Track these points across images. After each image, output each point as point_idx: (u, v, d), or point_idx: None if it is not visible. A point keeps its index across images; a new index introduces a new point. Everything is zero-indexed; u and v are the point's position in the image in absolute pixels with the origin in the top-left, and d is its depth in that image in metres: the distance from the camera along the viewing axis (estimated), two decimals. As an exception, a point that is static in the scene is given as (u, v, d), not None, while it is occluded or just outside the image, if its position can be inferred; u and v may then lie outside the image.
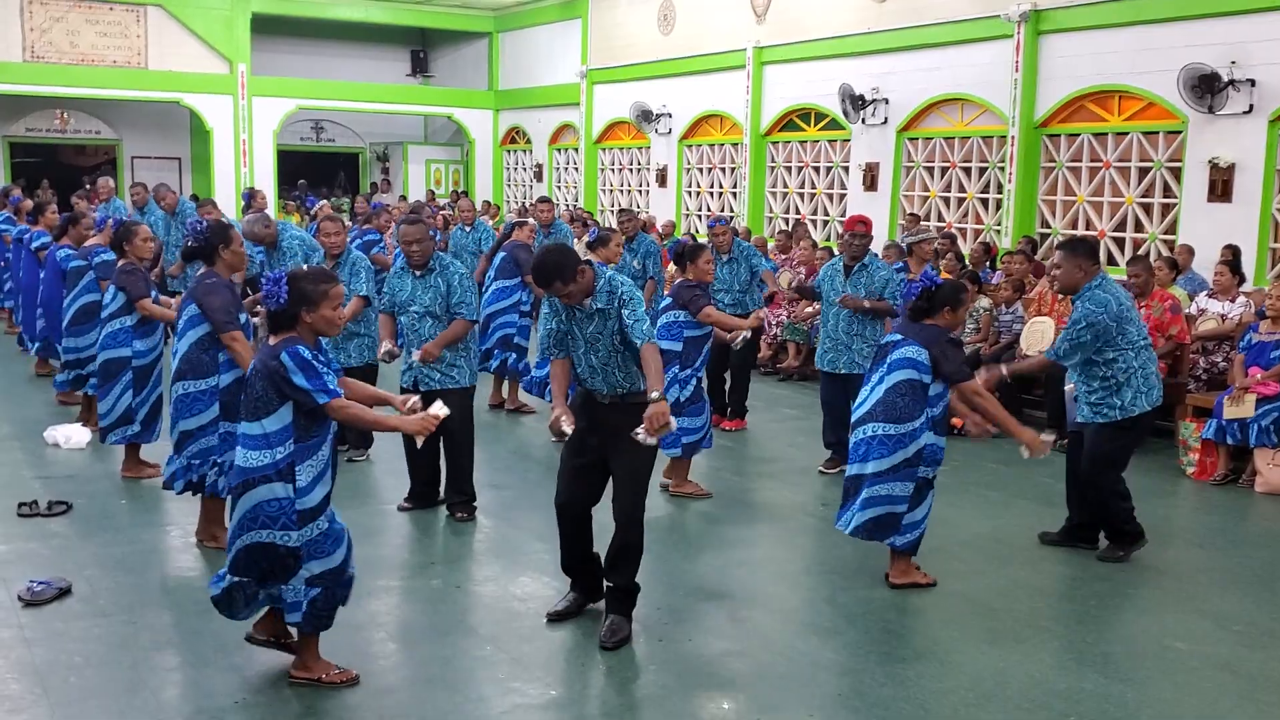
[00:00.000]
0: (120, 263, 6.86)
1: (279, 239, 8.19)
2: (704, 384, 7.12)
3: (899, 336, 5.40)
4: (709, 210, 17.65)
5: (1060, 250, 5.88)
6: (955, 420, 8.70)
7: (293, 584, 4.16)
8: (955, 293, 5.42)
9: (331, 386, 4.09)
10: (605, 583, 4.86)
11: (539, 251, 4.81)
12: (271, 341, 4.13)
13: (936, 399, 5.30)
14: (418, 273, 6.35)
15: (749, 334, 7.39)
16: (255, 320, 6.10)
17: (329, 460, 4.21)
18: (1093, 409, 5.84)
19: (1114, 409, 5.78)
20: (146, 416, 6.97)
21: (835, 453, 7.60)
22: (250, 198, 16.02)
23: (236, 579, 4.18)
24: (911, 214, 13.90)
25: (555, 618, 4.96)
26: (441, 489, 6.61)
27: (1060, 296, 8.73)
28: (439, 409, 4.20)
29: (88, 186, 21.70)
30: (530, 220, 10.31)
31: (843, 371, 7.45)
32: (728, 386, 9.06)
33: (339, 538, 4.24)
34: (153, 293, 6.94)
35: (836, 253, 11.92)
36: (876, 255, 7.90)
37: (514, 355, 9.08)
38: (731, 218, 15.64)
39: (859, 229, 7.46)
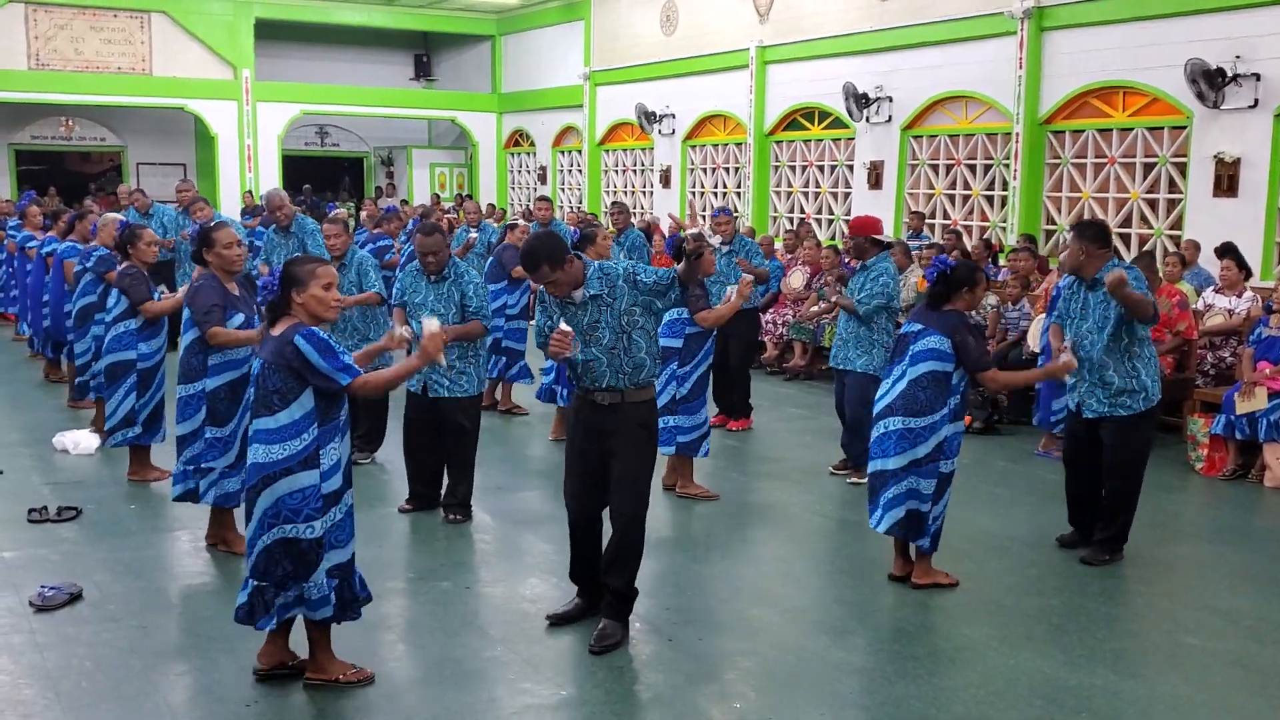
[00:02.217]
0: (123, 265, 6.87)
1: (294, 224, 8.99)
2: (708, 382, 7.05)
3: (919, 326, 5.32)
4: (712, 209, 17.62)
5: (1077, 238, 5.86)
6: (965, 418, 8.61)
7: (314, 579, 4.15)
8: (971, 273, 5.34)
9: (350, 365, 4.12)
10: (604, 585, 4.82)
11: (527, 239, 4.79)
12: (274, 333, 4.13)
13: (956, 389, 5.27)
14: (432, 278, 6.33)
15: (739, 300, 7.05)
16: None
17: (348, 442, 4.25)
18: (1112, 404, 5.77)
19: (1137, 399, 5.75)
20: (148, 419, 6.99)
21: (847, 455, 7.56)
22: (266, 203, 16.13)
23: (258, 583, 4.17)
24: (915, 211, 13.88)
25: (556, 620, 4.94)
26: (443, 490, 6.59)
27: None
28: (431, 323, 4.16)
29: (94, 193, 21.78)
30: (521, 223, 10.33)
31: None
32: (730, 387, 9.02)
33: (352, 529, 4.27)
34: (154, 293, 6.93)
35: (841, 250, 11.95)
36: (887, 254, 7.71)
37: (504, 359, 9.13)
38: (737, 216, 15.61)
39: (855, 231, 7.36)
